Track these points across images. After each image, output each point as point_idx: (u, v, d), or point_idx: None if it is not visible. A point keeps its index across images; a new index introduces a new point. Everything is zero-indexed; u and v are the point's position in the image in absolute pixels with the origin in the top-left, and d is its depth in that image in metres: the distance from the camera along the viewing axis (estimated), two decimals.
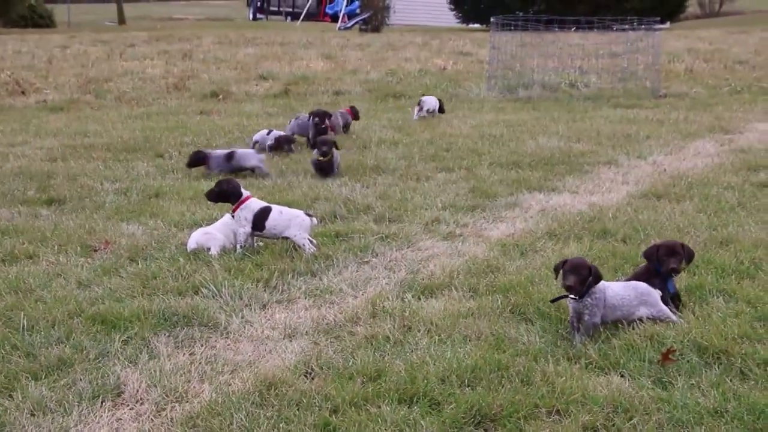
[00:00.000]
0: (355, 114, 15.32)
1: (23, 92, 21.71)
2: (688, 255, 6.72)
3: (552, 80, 21.35)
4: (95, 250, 8.53)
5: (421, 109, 16.86)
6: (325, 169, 11.58)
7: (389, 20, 49.46)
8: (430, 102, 17.10)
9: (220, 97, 20.87)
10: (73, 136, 15.34)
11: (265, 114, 18.00)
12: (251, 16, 63.12)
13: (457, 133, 14.94)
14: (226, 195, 8.44)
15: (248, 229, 8.32)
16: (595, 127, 15.57)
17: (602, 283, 6.29)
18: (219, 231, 8.48)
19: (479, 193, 10.53)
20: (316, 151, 11.77)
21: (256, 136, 13.91)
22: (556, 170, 11.81)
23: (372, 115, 17.46)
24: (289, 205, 8.83)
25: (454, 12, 50.26)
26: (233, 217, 8.37)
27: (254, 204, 8.37)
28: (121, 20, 54.27)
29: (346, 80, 23.25)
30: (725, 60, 27.25)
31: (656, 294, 6.44)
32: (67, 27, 50.71)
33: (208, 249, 8.29)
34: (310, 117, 13.80)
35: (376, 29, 43.60)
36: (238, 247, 8.33)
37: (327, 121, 13.62)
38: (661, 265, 6.60)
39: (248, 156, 12.12)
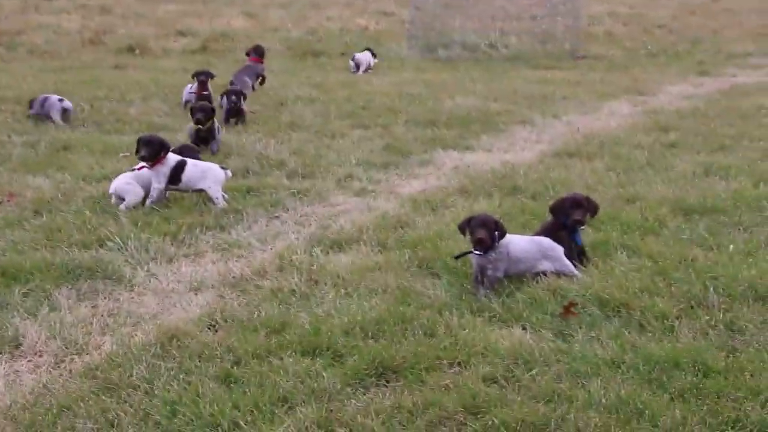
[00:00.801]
0: (261, 54, 15.05)
1: None
2: (592, 208, 6.81)
3: (472, 41, 21.37)
4: None
5: (357, 67, 16.97)
6: (205, 138, 10.52)
7: None
8: (365, 58, 17.22)
9: (137, 51, 20.50)
10: None
11: (182, 70, 17.70)
12: None
13: (376, 91, 14.91)
14: (158, 149, 8.27)
15: (164, 184, 8.20)
16: (512, 87, 15.66)
17: (505, 237, 6.33)
18: (144, 177, 8.34)
19: (394, 150, 10.52)
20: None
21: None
22: (472, 129, 11.86)
23: (291, 73, 17.31)
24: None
25: None
26: (151, 169, 8.21)
27: (171, 158, 8.25)
28: None
29: (266, 38, 22.95)
30: (644, 24, 27.56)
31: (559, 249, 6.51)
32: None
33: (122, 200, 8.16)
34: (193, 76, 13.16)
35: None
36: (148, 201, 8.19)
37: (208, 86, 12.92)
38: (567, 218, 6.67)
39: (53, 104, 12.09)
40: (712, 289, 6.10)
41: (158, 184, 8.20)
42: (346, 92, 14.74)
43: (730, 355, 5.26)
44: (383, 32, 24.88)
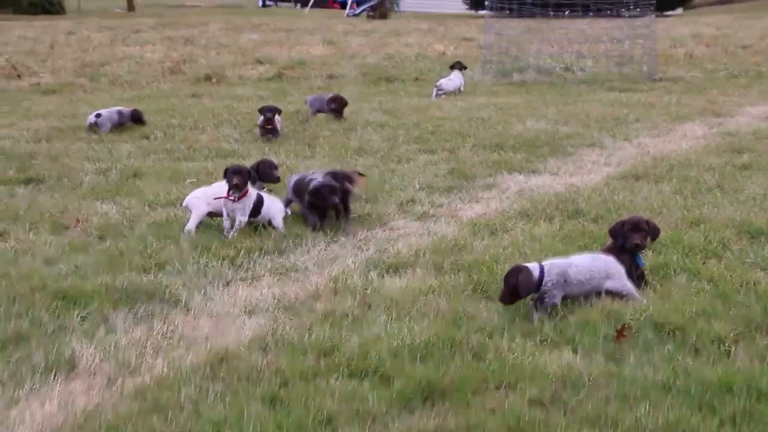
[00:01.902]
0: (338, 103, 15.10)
1: (18, 76, 21.65)
2: (653, 231, 6.69)
3: (548, 65, 21.27)
4: (66, 228, 8.51)
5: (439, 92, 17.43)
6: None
7: (399, 7, 49.29)
8: (449, 84, 17.86)
9: (213, 80, 20.83)
10: (62, 118, 15.32)
11: (257, 97, 17.92)
12: (261, 3, 62.92)
13: (446, 116, 14.88)
14: (248, 178, 8.35)
15: (247, 217, 8.30)
16: (585, 110, 15.49)
17: (564, 261, 6.28)
18: (213, 196, 8.44)
19: (458, 174, 10.48)
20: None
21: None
22: (540, 152, 11.76)
23: (363, 99, 17.39)
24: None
25: None
26: (237, 202, 8.25)
27: (252, 192, 8.33)
28: (131, 7, 54.01)
29: (342, 65, 23.19)
30: (728, 45, 27.08)
31: (622, 268, 6.40)
32: (76, 14, 50.60)
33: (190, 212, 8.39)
34: (260, 111, 13.43)
35: (384, 16, 43.47)
36: (232, 232, 8.24)
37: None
38: (626, 241, 6.57)
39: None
40: None
41: (243, 217, 8.26)
42: (416, 117, 14.75)
43: None
44: (460, 57, 24.80)
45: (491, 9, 22.58)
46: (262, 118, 13.14)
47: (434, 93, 17.65)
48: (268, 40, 29.20)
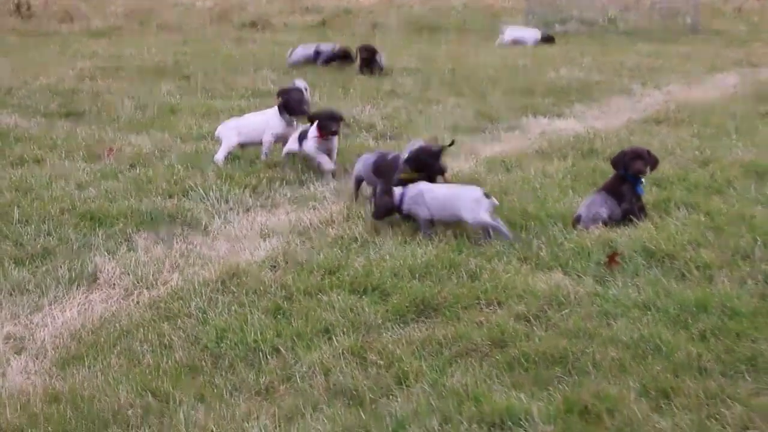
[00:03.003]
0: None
1: (71, 19, 22.12)
2: (653, 161, 6.92)
3: (591, 16, 21.27)
4: (100, 157, 8.90)
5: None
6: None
7: None
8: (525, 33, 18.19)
9: (259, 27, 21.11)
10: (108, 59, 15.76)
11: (300, 42, 18.16)
12: None
13: (482, 64, 15.06)
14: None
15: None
16: (621, 60, 15.58)
17: (424, 187, 6.78)
18: (245, 126, 8.75)
19: (484, 116, 10.74)
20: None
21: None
22: (568, 98, 11.95)
23: (404, 46, 17.60)
24: None
25: None
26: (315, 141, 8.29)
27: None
28: None
29: (387, 14, 23.29)
30: None
31: (482, 202, 6.59)
32: None
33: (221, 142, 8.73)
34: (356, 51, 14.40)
35: None
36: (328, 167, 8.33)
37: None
38: (627, 169, 6.80)
39: None
40: (760, 243, 6.15)
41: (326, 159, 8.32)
42: (452, 64, 14.93)
43: (761, 301, 5.35)
44: (507, 8, 24.81)
45: None
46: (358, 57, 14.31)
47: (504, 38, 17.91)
48: None
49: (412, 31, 20.62)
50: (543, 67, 14.71)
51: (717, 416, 4.27)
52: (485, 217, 6.52)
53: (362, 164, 7.57)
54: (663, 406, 4.36)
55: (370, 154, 7.75)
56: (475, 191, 6.67)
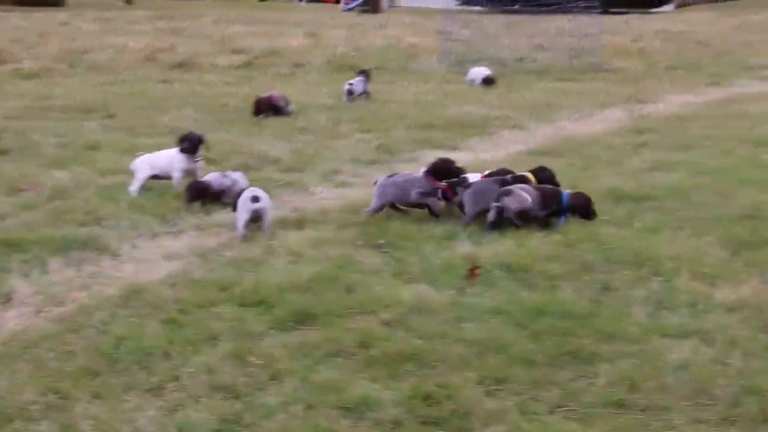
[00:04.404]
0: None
1: (4, 61, 22.51)
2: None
3: (503, 56, 22.29)
4: (21, 191, 9.52)
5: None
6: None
7: (395, 2, 50.25)
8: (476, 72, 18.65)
9: (185, 67, 21.73)
10: (36, 99, 16.26)
11: (224, 83, 18.93)
12: None
13: (392, 100, 15.92)
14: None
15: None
16: (523, 97, 16.54)
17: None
18: (157, 161, 9.53)
19: (384, 149, 11.55)
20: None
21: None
22: (465, 132, 12.82)
23: (323, 85, 18.40)
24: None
25: None
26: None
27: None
28: (129, 0, 54.07)
29: (312, 54, 24.02)
30: (685, 41, 28.13)
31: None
32: (77, 6, 51.01)
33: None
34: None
35: (376, 10, 44.43)
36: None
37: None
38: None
39: None
40: (600, 256, 7.03)
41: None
42: (366, 101, 15.75)
43: (592, 305, 6.21)
44: (429, 48, 25.59)
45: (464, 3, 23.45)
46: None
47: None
48: (254, 32, 29.88)
49: (332, 70, 21.38)
50: (448, 103, 15.61)
51: (538, 398, 5.06)
52: (245, 215, 7.94)
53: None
54: (495, 391, 5.13)
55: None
56: (250, 191, 8.00)
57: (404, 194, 8.42)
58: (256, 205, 8.00)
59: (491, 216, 7.82)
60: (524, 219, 7.85)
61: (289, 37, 27.92)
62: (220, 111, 14.62)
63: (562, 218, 7.92)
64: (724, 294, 6.47)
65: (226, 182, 8.95)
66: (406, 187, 8.41)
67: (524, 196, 7.82)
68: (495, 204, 7.80)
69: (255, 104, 14.34)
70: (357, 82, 16.28)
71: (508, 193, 7.84)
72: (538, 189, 8.02)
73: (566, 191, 8.07)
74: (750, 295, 6.43)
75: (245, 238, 7.87)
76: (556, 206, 7.92)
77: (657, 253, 7.24)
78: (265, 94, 14.73)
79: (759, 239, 7.76)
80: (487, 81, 18.15)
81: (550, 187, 8.21)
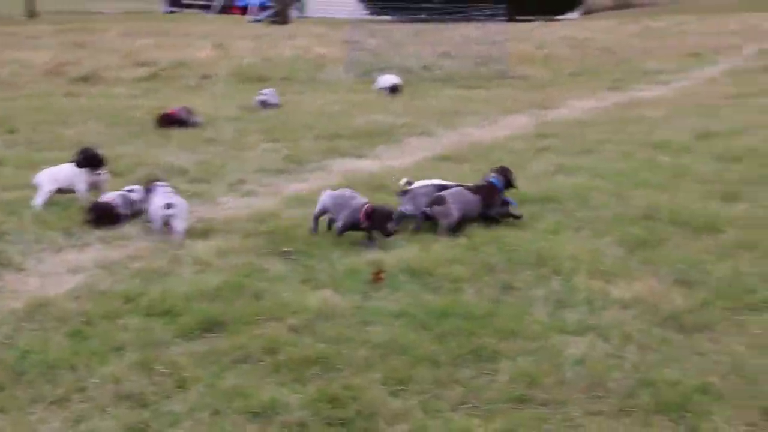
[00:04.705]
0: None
1: None
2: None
3: (409, 64, 22.52)
4: None
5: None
6: None
7: (304, 12, 50.35)
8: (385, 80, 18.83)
9: (90, 81, 21.50)
10: None
11: (129, 96, 18.79)
12: (164, 9, 62.77)
13: (299, 110, 15.99)
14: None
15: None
16: (429, 104, 16.78)
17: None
18: (60, 174, 9.46)
19: (291, 159, 11.61)
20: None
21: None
22: (372, 140, 12.96)
23: (230, 96, 18.39)
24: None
25: (362, 4, 50.63)
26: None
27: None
28: (32, 13, 53.11)
29: (219, 66, 23.96)
30: (589, 48, 28.80)
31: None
32: None
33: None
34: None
35: (285, 21, 44.43)
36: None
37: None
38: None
39: None
40: (503, 258, 7.21)
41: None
42: (273, 111, 15.80)
43: (493, 305, 6.37)
44: (337, 59, 25.75)
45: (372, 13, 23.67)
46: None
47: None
48: (160, 44, 29.75)
49: (239, 81, 21.37)
50: (355, 112, 15.73)
51: (441, 397, 5.19)
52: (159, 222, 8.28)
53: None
54: (399, 391, 5.24)
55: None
56: (166, 198, 8.24)
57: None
58: (168, 212, 8.16)
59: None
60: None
61: (196, 49, 27.84)
62: (125, 123, 14.51)
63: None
64: (620, 291, 6.73)
65: (135, 202, 8.94)
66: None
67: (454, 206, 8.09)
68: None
69: (158, 120, 14.29)
70: (269, 94, 16.64)
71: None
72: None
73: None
74: (645, 292, 6.70)
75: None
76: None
77: (558, 254, 7.48)
78: (167, 110, 14.65)
79: (655, 238, 8.06)
80: (394, 89, 18.32)
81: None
